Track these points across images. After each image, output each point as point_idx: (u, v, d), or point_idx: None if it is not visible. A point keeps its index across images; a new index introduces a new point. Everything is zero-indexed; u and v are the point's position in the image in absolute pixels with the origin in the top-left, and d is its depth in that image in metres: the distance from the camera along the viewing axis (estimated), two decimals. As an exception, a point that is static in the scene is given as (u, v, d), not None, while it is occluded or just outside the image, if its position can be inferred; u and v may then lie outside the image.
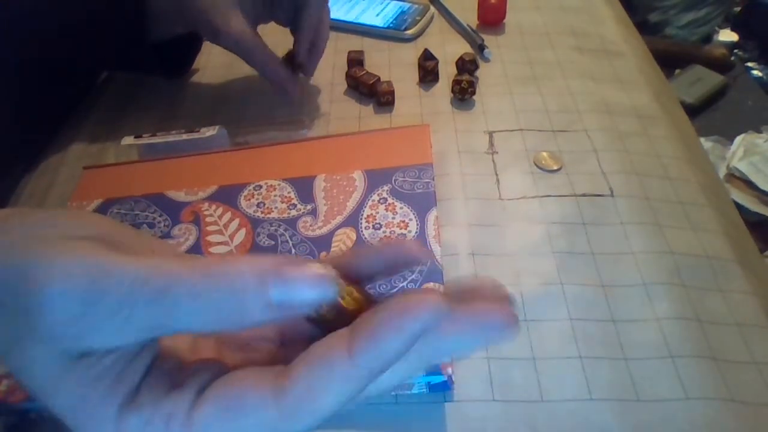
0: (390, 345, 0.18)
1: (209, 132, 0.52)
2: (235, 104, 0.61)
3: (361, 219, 0.44)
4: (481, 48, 0.64)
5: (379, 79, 0.59)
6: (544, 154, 0.52)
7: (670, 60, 1.76)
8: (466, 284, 0.21)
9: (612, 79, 0.61)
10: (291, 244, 0.43)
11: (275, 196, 0.47)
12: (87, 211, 0.47)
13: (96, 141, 0.59)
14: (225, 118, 0.57)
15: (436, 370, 0.35)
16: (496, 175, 0.51)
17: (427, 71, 0.61)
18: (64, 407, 0.19)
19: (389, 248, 0.23)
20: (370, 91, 0.59)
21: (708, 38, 1.98)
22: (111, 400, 0.19)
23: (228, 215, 0.46)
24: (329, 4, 0.60)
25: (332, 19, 0.69)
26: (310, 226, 0.44)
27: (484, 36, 0.66)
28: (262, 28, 0.58)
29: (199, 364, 0.21)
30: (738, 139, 1.56)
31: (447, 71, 0.62)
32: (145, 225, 0.46)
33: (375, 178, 0.47)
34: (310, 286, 0.19)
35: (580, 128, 0.55)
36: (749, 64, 1.93)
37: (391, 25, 0.69)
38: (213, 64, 0.66)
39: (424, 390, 0.36)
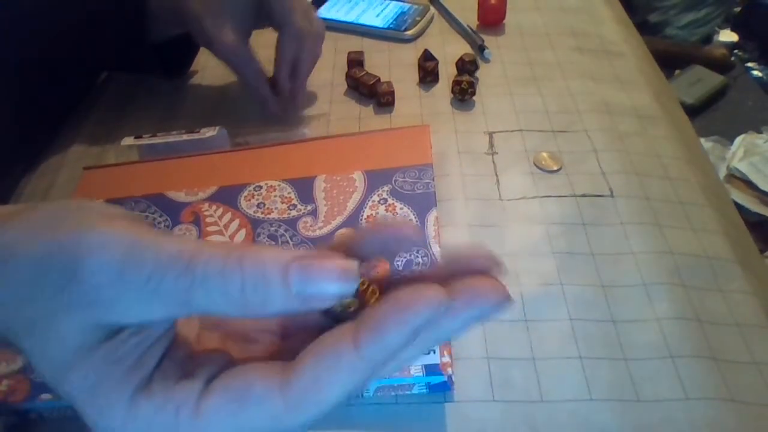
0: (394, 338, 0.19)
1: (209, 132, 0.52)
2: (235, 105, 0.61)
3: (362, 219, 0.44)
4: (481, 48, 0.64)
5: (379, 79, 0.59)
6: (544, 154, 0.52)
7: (670, 60, 1.76)
8: (460, 253, 0.22)
9: (612, 80, 0.61)
10: (291, 245, 0.43)
11: (275, 196, 0.47)
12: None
13: (96, 141, 0.59)
14: (225, 119, 0.57)
15: (436, 371, 0.35)
16: (496, 175, 0.51)
17: (427, 72, 0.61)
18: (79, 389, 0.20)
19: (386, 229, 0.23)
20: (370, 91, 0.59)
21: (708, 38, 1.98)
22: (126, 386, 0.20)
23: (228, 216, 0.46)
24: (329, 11, 0.59)
25: (332, 20, 0.69)
26: (311, 226, 0.44)
27: (484, 36, 0.66)
28: (262, 34, 0.57)
29: (207, 355, 0.22)
30: (738, 139, 1.56)
31: (447, 72, 0.62)
32: None
33: (375, 179, 0.47)
34: (333, 280, 0.19)
35: (580, 128, 0.55)
36: (749, 65, 1.93)
37: (391, 26, 0.69)
38: (213, 64, 0.66)
39: (424, 390, 0.36)
